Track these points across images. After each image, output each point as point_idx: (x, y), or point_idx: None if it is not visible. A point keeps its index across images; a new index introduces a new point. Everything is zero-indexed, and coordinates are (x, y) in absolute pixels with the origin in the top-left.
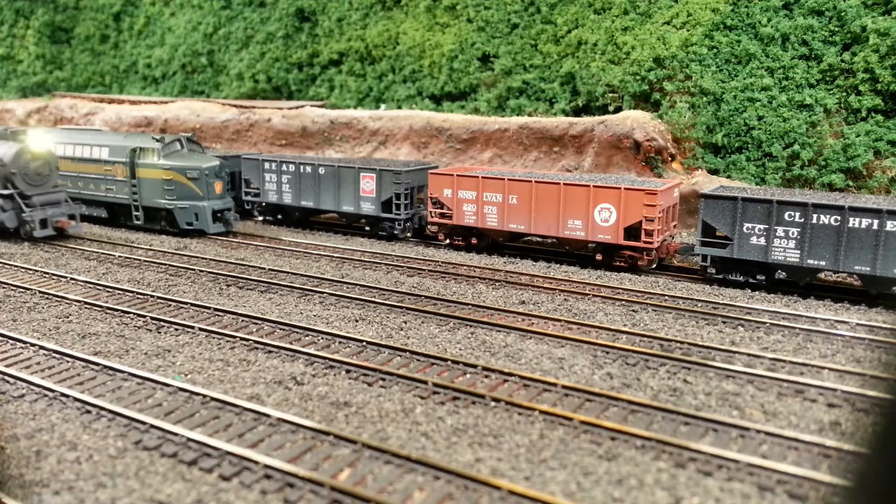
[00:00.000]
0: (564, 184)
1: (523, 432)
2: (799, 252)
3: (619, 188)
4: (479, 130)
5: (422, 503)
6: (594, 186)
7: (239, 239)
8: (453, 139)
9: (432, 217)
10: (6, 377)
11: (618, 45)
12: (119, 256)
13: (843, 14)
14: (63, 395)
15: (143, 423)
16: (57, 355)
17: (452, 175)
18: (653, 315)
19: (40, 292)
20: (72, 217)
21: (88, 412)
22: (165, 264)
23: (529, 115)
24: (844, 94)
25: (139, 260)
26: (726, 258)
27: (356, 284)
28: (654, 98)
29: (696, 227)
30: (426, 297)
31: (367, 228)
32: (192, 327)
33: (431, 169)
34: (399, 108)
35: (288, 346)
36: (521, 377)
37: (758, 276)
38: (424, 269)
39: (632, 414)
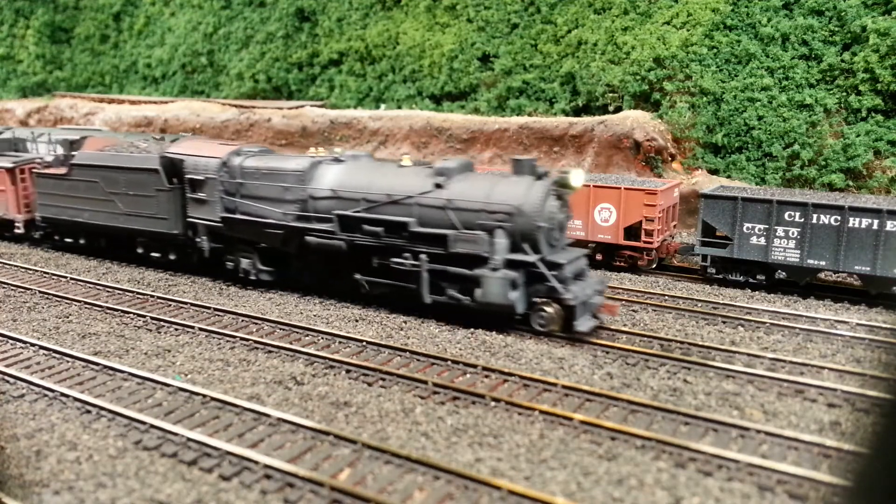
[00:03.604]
0: None
1: (523, 432)
2: (799, 252)
3: (619, 188)
4: (479, 130)
5: (422, 503)
6: (594, 186)
7: None
8: (453, 139)
9: None
10: (6, 377)
11: (618, 45)
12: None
13: (843, 14)
14: (63, 394)
15: (143, 423)
16: (57, 355)
17: None
18: (653, 315)
19: (40, 292)
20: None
21: (88, 412)
22: (166, 262)
23: (529, 115)
24: (844, 94)
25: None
26: (726, 258)
27: None
28: (654, 98)
29: (696, 227)
30: None
31: None
32: (192, 327)
33: None
34: (399, 108)
35: (288, 346)
36: (521, 377)
37: (758, 276)
38: None
39: (632, 414)
